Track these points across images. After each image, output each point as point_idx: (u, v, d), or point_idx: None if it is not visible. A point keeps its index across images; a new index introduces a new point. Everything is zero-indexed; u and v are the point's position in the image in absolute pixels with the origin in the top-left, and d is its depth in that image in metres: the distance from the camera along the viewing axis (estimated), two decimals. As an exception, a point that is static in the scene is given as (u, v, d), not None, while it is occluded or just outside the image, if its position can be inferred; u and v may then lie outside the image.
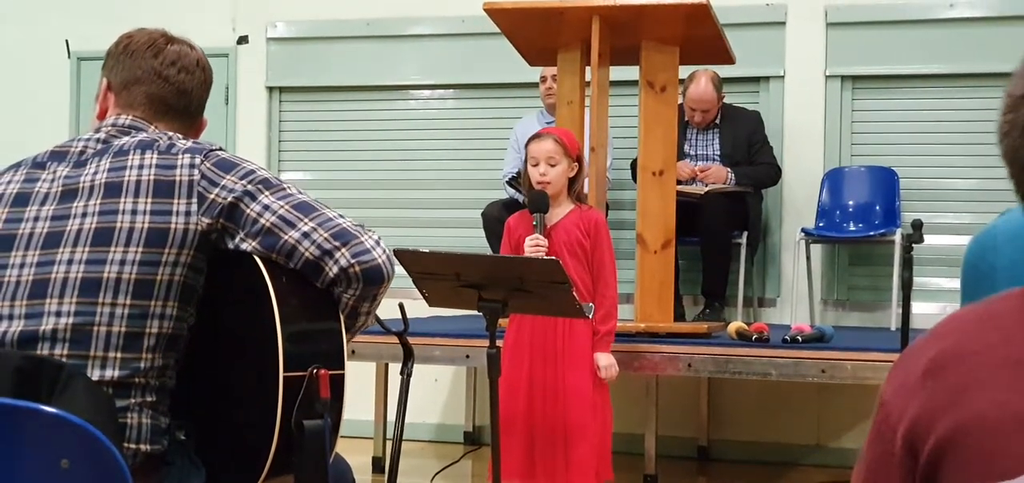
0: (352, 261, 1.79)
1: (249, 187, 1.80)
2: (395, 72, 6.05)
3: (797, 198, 5.55)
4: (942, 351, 0.96)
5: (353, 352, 3.73)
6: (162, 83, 1.94)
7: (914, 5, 5.43)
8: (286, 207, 1.80)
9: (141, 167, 1.79)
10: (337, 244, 1.79)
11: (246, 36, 6.22)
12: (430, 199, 6.04)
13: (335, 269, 1.79)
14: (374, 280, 1.81)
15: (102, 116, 1.95)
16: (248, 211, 1.79)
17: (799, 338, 4.04)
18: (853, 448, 5.19)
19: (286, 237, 1.78)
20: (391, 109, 6.12)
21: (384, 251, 1.84)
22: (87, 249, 1.74)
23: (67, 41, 6.40)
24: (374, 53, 6.07)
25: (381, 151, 6.11)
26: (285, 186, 1.85)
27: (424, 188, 6.05)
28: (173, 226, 1.76)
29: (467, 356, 4.25)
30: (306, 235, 1.79)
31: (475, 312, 2.93)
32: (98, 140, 1.86)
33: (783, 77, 5.60)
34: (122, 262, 1.73)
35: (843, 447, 5.23)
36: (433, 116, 6.09)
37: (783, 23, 5.57)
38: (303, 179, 6.10)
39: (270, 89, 6.22)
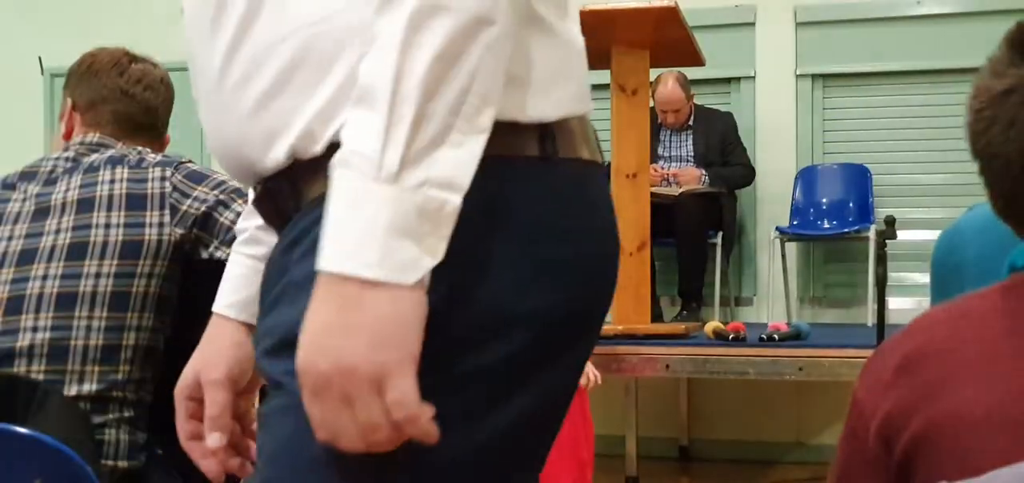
0: None
1: (222, 196, 1.82)
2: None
3: (771, 197, 5.59)
4: (915, 348, 0.97)
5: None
6: (128, 101, 1.96)
7: (882, 3, 5.49)
8: None
9: (112, 182, 1.80)
10: None
11: (219, 49, 6.22)
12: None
13: None
14: None
15: (68, 136, 1.96)
16: (222, 220, 1.81)
17: (776, 336, 4.07)
18: (833, 445, 5.21)
19: None
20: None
21: None
22: (62, 264, 1.75)
23: (40, 58, 6.37)
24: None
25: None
26: None
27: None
28: (146, 238, 1.77)
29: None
30: None
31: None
32: (67, 158, 1.87)
33: (754, 77, 5.64)
34: (97, 275, 1.74)
35: (823, 444, 5.26)
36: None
37: (752, 24, 5.61)
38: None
39: (244, 101, 6.21)
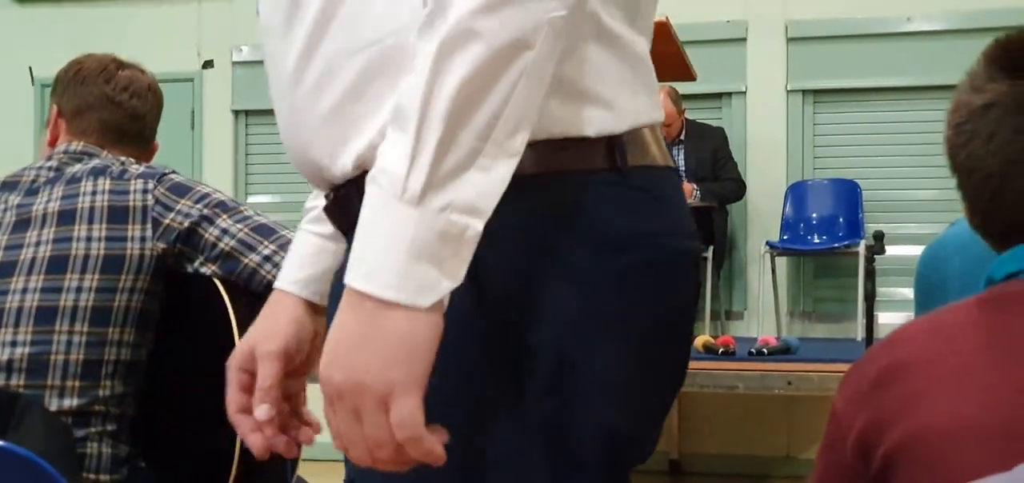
0: None
1: (206, 211, 1.80)
2: (361, 94, 6.06)
3: (761, 212, 5.60)
4: (892, 361, 0.97)
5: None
6: (115, 109, 1.94)
7: (873, 20, 5.51)
8: (245, 230, 1.80)
9: (94, 194, 1.78)
10: None
11: (211, 60, 6.22)
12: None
13: None
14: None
15: (53, 143, 1.94)
16: (206, 236, 1.79)
17: (764, 350, 4.07)
18: (822, 459, 5.21)
19: (246, 261, 1.79)
20: (357, 131, 6.12)
21: None
22: (42, 277, 1.73)
23: (31, 68, 6.37)
24: (339, 75, 6.07)
25: (348, 173, 6.11)
26: (242, 208, 1.85)
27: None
28: (128, 252, 1.75)
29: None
30: (267, 258, 1.79)
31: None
32: (50, 168, 1.85)
33: (745, 93, 5.65)
34: (78, 289, 1.73)
35: (813, 459, 5.25)
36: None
37: (744, 39, 5.63)
38: (270, 202, 6.09)
39: (236, 113, 6.21)
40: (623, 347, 0.89)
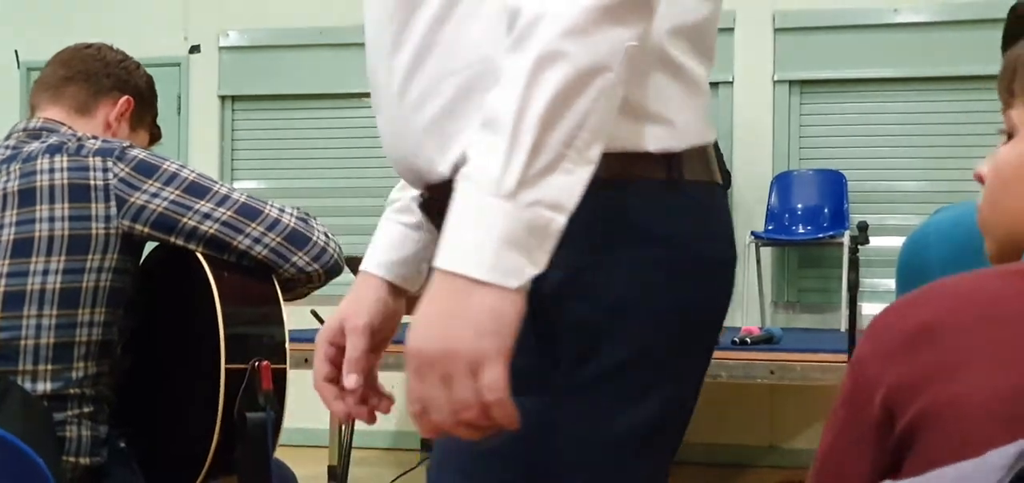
0: (311, 262, 1.83)
1: (178, 196, 1.77)
2: (348, 80, 6.04)
3: (747, 202, 5.61)
4: (927, 321, 0.95)
5: (305, 361, 3.71)
6: (103, 65, 1.93)
7: (860, 11, 5.52)
8: (228, 213, 1.79)
9: (52, 171, 1.74)
10: (292, 248, 1.81)
11: (198, 45, 6.19)
12: (383, 207, 6.01)
13: (292, 270, 1.82)
14: (334, 274, 1.89)
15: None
16: (184, 221, 1.76)
17: (747, 340, 4.08)
18: (806, 449, 5.24)
19: (235, 243, 1.78)
20: (345, 117, 6.11)
21: (334, 243, 1.89)
22: (7, 261, 1.71)
23: (16, 51, 6.33)
24: (327, 61, 6.06)
25: (335, 159, 6.10)
26: (217, 187, 1.82)
27: (377, 196, 6.04)
28: (93, 232, 1.72)
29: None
30: (257, 240, 1.79)
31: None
32: (7, 147, 1.81)
33: (732, 82, 5.66)
34: (45, 272, 1.70)
35: (796, 448, 5.28)
36: (386, 124, 6.08)
37: (731, 29, 5.63)
38: (257, 188, 6.07)
39: (223, 98, 6.19)
40: (662, 330, 1.01)
